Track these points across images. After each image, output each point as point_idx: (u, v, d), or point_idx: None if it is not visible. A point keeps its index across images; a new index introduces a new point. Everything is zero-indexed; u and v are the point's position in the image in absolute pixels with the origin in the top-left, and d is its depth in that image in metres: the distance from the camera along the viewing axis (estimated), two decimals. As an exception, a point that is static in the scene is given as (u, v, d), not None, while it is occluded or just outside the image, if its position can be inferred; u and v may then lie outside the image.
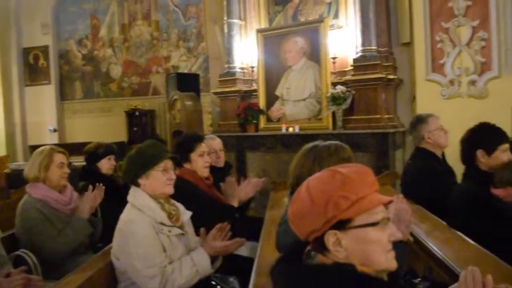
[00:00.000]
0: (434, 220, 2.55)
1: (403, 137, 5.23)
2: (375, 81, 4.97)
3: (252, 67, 6.06)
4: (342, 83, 5.21)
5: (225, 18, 6.08)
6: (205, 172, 2.95)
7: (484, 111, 4.28)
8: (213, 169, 3.11)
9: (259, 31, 5.88)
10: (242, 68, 6.16)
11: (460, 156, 2.57)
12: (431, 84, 4.88)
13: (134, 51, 10.67)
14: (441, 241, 2.14)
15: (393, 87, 5.30)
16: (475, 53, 4.64)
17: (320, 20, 5.48)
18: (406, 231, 1.77)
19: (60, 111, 10.80)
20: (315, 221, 1.10)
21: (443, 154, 3.19)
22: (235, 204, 2.96)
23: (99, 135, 8.28)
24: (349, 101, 5.10)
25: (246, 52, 6.09)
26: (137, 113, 10.14)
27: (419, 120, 3.21)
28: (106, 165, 3.43)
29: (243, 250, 2.83)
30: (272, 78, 5.78)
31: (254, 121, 5.83)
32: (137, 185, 2.12)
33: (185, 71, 9.82)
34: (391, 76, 5.09)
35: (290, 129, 5.52)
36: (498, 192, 2.19)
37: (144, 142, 2.25)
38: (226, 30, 6.11)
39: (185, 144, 2.96)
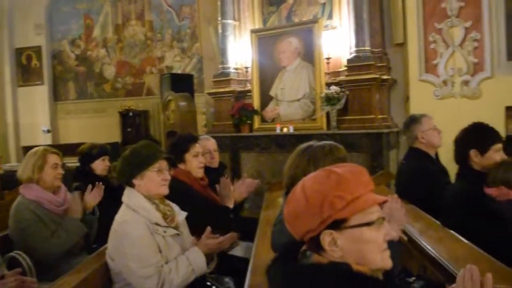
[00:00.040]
0: (428, 219, 2.57)
1: (397, 137, 5.25)
2: (369, 82, 5.00)
3: (246, 68, 6.07)
4: (336, 84, 5.23)
5: (219, 19, 6.08)
6: (199, 173, 2.94)
7: (477, 111, 4.31)
8: (207, 169, 3.11)
9: (253, 31, 5.89)
10: (236, 69, 6.16)
11: (453, 156, 2.58)
12: (425, 85, 4.92)
13: (128, 51, 10.62)
14: (435, 240, 2.15)
15: (386, 87, 5.32)
16: (468, 54, 4.68)
17: (314, 20, 5.50)
18: (398, 230, 1.78)
19: (54, 112, 10.74)
20: (311, 221, 1.10)
21: (436, 154, 3.21)
22: (230, 205, 2.96)
23: (93, 136, 8.24)
24: (343, 101, 5.12)
25: (240, 52, 6.09)
26: (130, 114, 10.10)
27: (413, 120, 3.22)
28: (100, 166, 3.41)
29: (238, 251, 2.84)
30: (266, 78, 5.79)
31: (249, 122, 5.83)
32: (132, 185, 2.11)
33: (179, 72, 9.80)
34: (384, 77, 5.11)
35: (285, 130, 5.53)
36: (491, 191, 2.21)
37: (138, 143, 2.24)
38: (220, 31, 6.11)
39: (179, 144, 2.96)
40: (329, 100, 5.13)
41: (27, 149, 3.73)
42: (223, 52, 6.10)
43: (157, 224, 2.04)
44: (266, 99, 5.81)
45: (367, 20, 5.07)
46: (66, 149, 5.34)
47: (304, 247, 1.18)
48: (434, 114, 3.34)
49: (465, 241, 2.09)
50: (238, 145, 5.92)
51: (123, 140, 9.88)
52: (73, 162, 4.23)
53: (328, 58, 5.37)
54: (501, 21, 4.54)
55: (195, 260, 2.07)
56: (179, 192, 2.44)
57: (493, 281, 1.23)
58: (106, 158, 3.45)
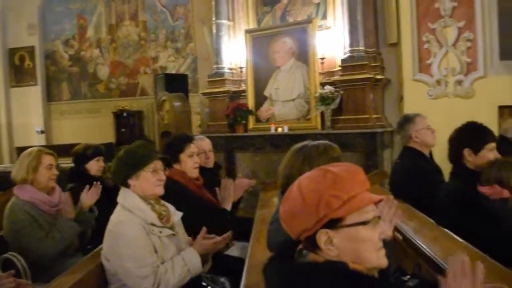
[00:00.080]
0: (422, 218, 2.58)
1: (391, 137, 5.28)
2: (363, 81, 5.02)
3: (241, 68, 6.07)
4: (331, 83, 5.25)
5: (214, 19, 6.09)
6: (194, 173, 2.94)
7: (470, 110, 4.34)
8: (202, 169, 3.10)
9: (247, 31, 5.89)
10: (230, 69, 6.17)
11: (447, 155, 2.60)
12: (418, 84, 4.94)
13: (122, 51, 10.58)
14: (429, 239, 2.16)
15: (381, 87, 5.35)
16: (461, 54, 4.72)
17: (309, 20, 5.51)
18: (389, 229, 1.79)
19: (47, 112, 10.67)
20: (307, 220, 1.11)
21: (430, 153, 3.23)
22: (229, 207, 2.96)
23: (87, 136, 8.20)
24: (337, 101, 5.14)
25: (234, 52, 6.10)
26: (125, 114, 10.05)
27: (407, 120, 3.24)
28: (94, 166, 3.41)
29: (234, 251, 2.84)
30: (261, 78, 5.80)
31: (243, 122, 5.84)
32: (127, 186, 2.11)
33: (173, 72, 9.77)
34: (378, 76, 5.13)
35: (279, 130, 5.54)
36: (484, 190, 2.23)
37: (133, 143, 2.23)
38: (214, 31, 6.11)
39: (174, 144, 2.95)
40: (324, 100, 5.14)
41: (20, 150, 3.71)
42: (217, 52, 6.11)
43: (153, 225, 2.03)
44: (260, 99, 5.82)
45: (361, 20, 5.09)
46: (60, 150, 5.29)
47: (300, 246, 1.18)
48: (428, 114, 3.37)
49: (460, 239, 2.10)
50: (233, 145, 5.92)
51: (117, 140, 9.84)
52: (67, 162, 4.20)
53: (322, 58, 5.39)
54: (494, 21, 4.58)
55: (190, 261, 2.07)
56: (174, 192, 2.44)
57: (486, 279, 1.24)
58: (100, 158, 3.44)
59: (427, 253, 1.99)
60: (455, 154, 2.53)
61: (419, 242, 2.13)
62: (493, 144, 2.45)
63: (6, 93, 10.36)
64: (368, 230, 1.12)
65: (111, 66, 10.63)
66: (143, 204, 2.07)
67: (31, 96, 10.44)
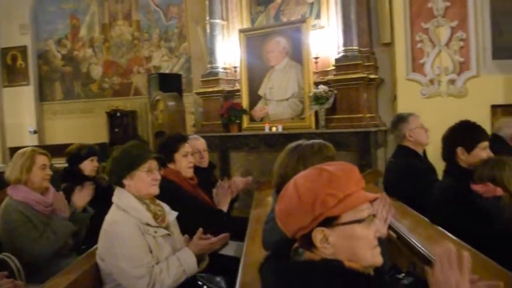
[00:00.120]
0: (416, 216, 2.60)
1: (384, 136, 5.30)
2: (356, 81, 5.03)
3: (235, 67, 6.07)
4: (325, 83, 5.26)
5: (207, 18, 6.08)
6: (189, 173, 2.94)
7: (463, 109, 4.37)
8: (197, 169, 3.10)
9: (241, 31, 5.89)
10: (224, 68, 6.16)
11: (441, 154, 2.62)
12: (412, 84, 4.97)
13: (115, 51, 10.54)
14: (424, 237, 2.18)
15: (374, 86, 5.37)
16: (454, 53, 4.75)
17: (302, 20, 5.52)
18: (383, 227, 1.80)
19: (40, 112, 10.61)
20: (303, 218, 1.11)
21: (424, 152, 3.25)
22: (225, 208, 2.97)
23: (80, 136, 8.15)
24: (331, 100, 5.15)
25: (228, 52, 6.10)
26: (118, 114, 10.01)
27: (400, 119, 3.27)
28: (88, 166, 3.39)
29: (229, 250, 2.84)
30: (255, 78, 5.80)
31: (237, 121, 5.84)
32: (122, 186, 2.10)
33: (167, 71, 9.76)
34: (372, 76, 5.15)
35: (273, 129, 5.55)
36: (478, 188, 2.24)
37: (127, 143, 2.23)
38: (208, 30, 6.10)
39: (168, 144, 2.95)
40: (318, 99, 5.15)
41: (13, 150, 3.69)
42: (211, 52, 6.10)
43: (148, 224, 2.03)
44: (254, 98, 5.82)
45: (355, 19, 5.11)
46: (53, 150, 5.25)
47: (296, 245, 1.19)
48: (421, 113, 3.39)
49: (454, 237, 2.12)
50: (227, 144, 5.92)
51: (110, 140, 9.81)
52: (60, 163, 4.18)
53: (316, 58, 5.40)
54: (486, 21, 4.61)
55: (186, 261, 2.07)
56: (169, 192, 2.43)
57: (480, 277, 1.25)
58: (94, 158, 3.43)
59: (421, 251, 2.01)
60: (448, 152, 2.55)
61: (413, 240, 2.14)
62: (486, 143, 2.47)
63: (-2, 93, 10.29)
64: (363, 228, 1.12)
65: (104, 66, 10.59)
66: (138, 204, 2.06)
67: (24, 96, 10.38)
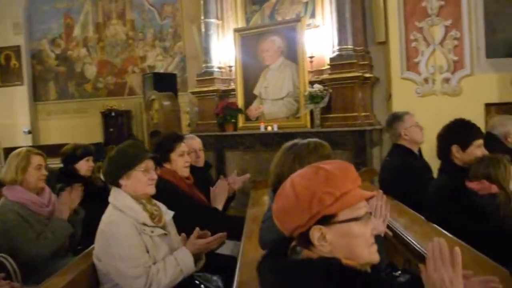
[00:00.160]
0: (412, 214, 2.61)
1: (380, 135, 5.32)
2: (351, 80, 5.05)
3: (230, 67, 6.07)
4: (320, 82, 5.27)
5: (202, 18, 6.07)
6: (185, 172, 2.93)
7: (457, 108, 4.40)
8: (193, 168, 3.10)
9: (236, 30, 5.89)
10: (220, 68, 6.16)
11: (436, 152, 2.63)
12: (406, 82, 4.99)
13: (109, 50, 10.52)
14: (419, 235, 2.19)
15: (369, 85, 5.38)
16: (448, 52, 4.77)
17: (297, 19, 5.53)
18: (383, 225, 1.81)
19: (34, 113, 10.56)
20: (300, 217, 1.12)
21: (419, 150, 3.26)
22: (220, 207, 2.97)
23: (74, 136, 8.12)
24: (326, 99, 5.16)
25: (223, 51, 6.09)
26: (113, 114, 10.00)
27: (395, 118, 3.28)
28: (84, 166, 3.38)
29: (225, 249, 2.84)
30: (250, 77, 5.80)
31: (233, 120, 5.84)
32: (118, 186, 2.10)
33: (161, 71, 9.75)
34: (367, 75, 5.17)
35: (269, 128, 5.55)
36: (473, 185, 2.26)
37: (124, 143, 2.23)
38: (203, 30, 6.10)
39: (164, 144, 2.94)
40: (313, 98, 5.16)
41: (7, 150, 3.67)
42: (206, 51, 6.10)
43: (145, 224, 2.02)
44: (250, 97, 5.82)
45: (350, 19, 5.12)
46: (48, 150, 5.23)
47: (293, 243, 1.19)
48: (416, 111, 3.41)
49: (449, 235, 2.13)
50: (223, 144, 5.92)
51: (105, 140, 9.79)
52: (55, 163, 4.17)
53: (311, 57, 5.40)
54: (480, 20, 4.64)
55: (183, 260, 2.07)
56: (165, 191, 2.43)
57: (474, 272, 1.26)
58: (90, 158, 3.41)
59: (417, 248, 2.02)
60: (443, 150, 2.57)
61: (409, 238, 2.15)
62: (480, 141, 2.49)
63: (-9, 93, 10.23)
64: (360, 226, 1.13)
65: (98, 66, 10.57)
66: (135, 203, 2.06)
67: (17, 96, 10.34)
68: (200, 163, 3.44)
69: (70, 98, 10.69)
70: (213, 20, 6.04)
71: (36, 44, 10.64)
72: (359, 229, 1.13)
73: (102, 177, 3.96)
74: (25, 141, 9.23)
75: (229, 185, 3.15)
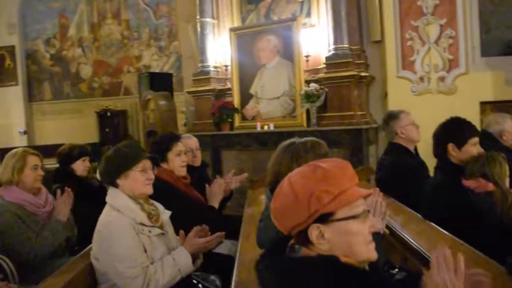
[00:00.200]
0: (408, 212, 2.63)
1: (376, 133, 5.34)
2: (347, 79, 5.06)
3: (226, 66, 6.07)
4: (316, 81, 5.28)
5: (198, 17, 6.07)
6: (182, 172, 2.93)
7: (452, 106, 4.41)
8: (189, 168, 3.09)
9: (232, 29, 5.89)
10: (216, 67, 6.16)
11: (432, 150, 2.64)
12: (402, 81, 5.00)
13: (104, 50, 10.48)
14: (416, 233, 2.20)
15: (365, 84, 5.40)
16: (443, 51, 4.79)
17: (293, 18, 5.54)
18: (382, 222, 1.82)
19: (29, 113, 10.51)
20: (299, 215, 1.12)
21: (415, 149, 3.27)
22: (216, 205, 2.97)
23: (70, 136, 8.08)
24: (322, 98, 5.17)
25: (219, 51, 6.10)
26: (108, 114, 9.96)
27: (392, 116, 3.29)
28: (80, 166, 3.36)
29: (223, 248, 2.84)
30: (246, 76, 5.80)
31: (229, 120, 5.84)
32: (115, 186, 2.10)
33: (157, 71, 9.72)
34: (363, 74, 5.18)
35: (265, 127, 5.55)
36: (469, 183, 2.27)
37: (121, 143, 2.23)
38: (199, 29, 6.09)
39: (161, 143, 2.94)
40: (309, 97, 5.17)
41: (2, 151, 3.65)
42: (202, 51, 6.09)
43: (142, 224, 2.03)
44: (246, 97, 5.82)
45: (345, 17, 5.13)
46: (43, 151, 5.22)
47: (292, 241, 1.20)
48: (411, 110, 3.42)
49: (446, 232, 2.14)
50: (219, 143, 5.92)
51: (101, 140, 9.76)
52: (50, 163, 4.15)
53: (307, 56, 5.41)
54: (475, 19, 4.67)
55: (181, 260, 2.07)
56: (163, 191, 2.43)
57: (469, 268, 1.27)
58: (86, 159, 3.40)
59: (414, 246, 2.03)
60: (439, 149, 2.58)
61: (406, 236, 2.17)
62: (476, 139, 2.51)
63: (-14, 94, 10.18)
64: (358, 223, 1.14)
65: (93, 66, 10.53)
66: (133, 203, 2.06)
67: (12, 97, 10.28)
68: (197, 162, 3.44)
69: (65, 98, 10.64)
70: (208, 20, 6.04)
71: (31, 44, 10.59)
72: (357, 227, 1.13)
73: (98, 177, 3.97)
74: (20, 142, 9.19)
75: (227, 184, 3.15)
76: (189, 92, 6.33)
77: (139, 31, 10.23)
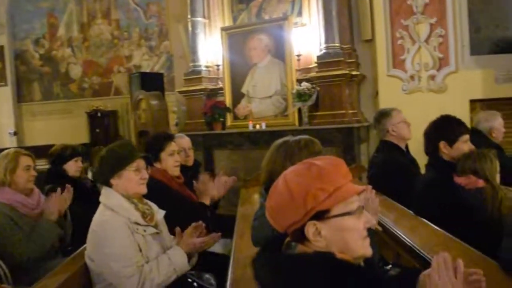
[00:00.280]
0: (400, 209, 2.65)
1: (367, 131, 5.37)
2: (339, 77, 5.09)
3: (218, 65, 6.07)
4: (307, 80, 5.30)
5: (189, 17, 6.06)
6: (175, 171, 2.93)
7: (443, 104, 4.46)
8: (182, 168, 3.09)
9: (223, 29, 5.89)
10: (207, 67, 6.15)
11: (424, 148, 2.67)
12: (393, 80, 5.04)
13: (94, 50, 10.42)
14: (408, 229, 2.23)
15: (356, 83, 5.43)
16: (433, 49, 4.84)
17: (284, 18, 5.55)
18: (374, 218, 1.84)
19: (18, 114, 10.41)
20: (295, 213, 1.13)
21: (406, 146, 3.30)
22: (207, 201, 2.97)
23: (60, 137, 7.98)
24: (314, 97, 5.19)
25: (211, 50, 6.09)
26: (99, 114, 9.90)
27: (383, 114, 3.31)
28: (73, 167, 3.34)
29: (217, 247, 2.85)
30: (238, 76, 5.81)
31: (221, 119, 5.84)
32: (109, 185, 2.09)
33: (148, 70, 9.69)
34: (354, 72, 5.21)
35: (257, 126, 5.56)
36: (460, 180, 2.31)
37: (114, 143, 2.23)
38: (190, 29, 6.08)
39: (155, 143, 2.93)
40: (301, 96, 5.19)
41: (-7, 152, 3.60)
42: (193, 50, 6.08)
43: (137, 223, 2.02)
44: (238, 96, 5.83)
45: (336, 17, 5.15)
46: (33, 152, 5.17)
47: (288, 239, 1.20)
48: (402, 108, 3.45)
49: (437, 228, 2.17)
50: (211, 143, 5.92)
51: (91, 141, 9.70)
52: (41, 164, 4.12)
53: (298, 55, 5.43)
54: (464, 17, 4.72)
55: (176, 259, 2.07)
56: (157, 191, 2.42)
57: (464, 265, 1.29)
58: (79, 159, 3.38)
59: (406, 242, 2.06)
60: (431, 147, 2.61)
61: (398, 232, 2.19)
62: (466, 136, 2.54)
63: (-26, 95, 10.07)
64: (354, 219, 1.15)
65: (83, 66, 10.47)
66: (127, 203, 2.05)
67: (1, 97, 10.20)
68: (190, 162, 3.44)
69: (55, 98, 10.56)
70: (200, 19, 6.04)
71: (20, 44, 10.49)
72: (353, 223, 1.14)
73: (90, 177, 3.96)
74: (10, 143, 9.10)
75: (219, 184, 3.15)
76: (180, 92, 6.32)
77: (129, 31, 10.19)
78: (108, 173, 2.07)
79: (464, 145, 2.49)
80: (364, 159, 5.08)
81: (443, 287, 1.12)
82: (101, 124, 9.95)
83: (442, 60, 4.81)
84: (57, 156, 3.33)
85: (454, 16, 4.73)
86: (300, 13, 5.62)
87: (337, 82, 5.12)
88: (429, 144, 2.62)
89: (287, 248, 1.19)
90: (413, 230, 2.22)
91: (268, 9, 5.87)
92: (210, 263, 2.47)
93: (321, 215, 1.13)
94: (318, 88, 5.21)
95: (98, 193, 2.16)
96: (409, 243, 2.03)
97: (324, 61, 5.17)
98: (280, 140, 2.06)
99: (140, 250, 2.00)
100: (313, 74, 5.30)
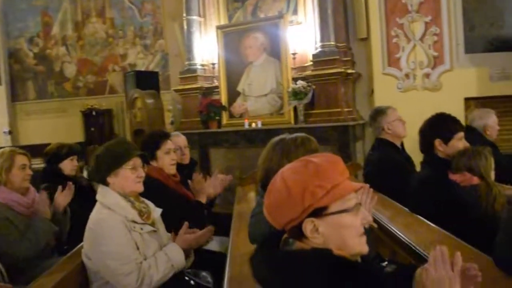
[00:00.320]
0: (396, 206, 2.67)
1: (362, 130, 5.39)
2: (334, 76, 5.09)
3: (213, 64, 6.06)
4: (303, 78, 5.31)
5: (184, 15, 6.04)
6: (172, 169, 2.93)
7: (438, 102, 4.49)
8: (178, 166, 3.09)
9: (219, 27, 5.88)
10: (203, 65, 6.14)
11: (419, 146, 2.69)
12: (388, 78, 5.06)
13: (89, 49, 10.37)
14: (404, 226, 2.24)
15: (351, 81, 5.44)
16: (428, 48, 4.86)
17: (280, 16, 5.55)
18: (368, 215, 1.85)
19: (12, 113, 10.35)
20: (293, 210, 1.14)
21: (402, 144, 3.32)
22: (203, 200, 2.97)
23: (55, 136, 7.94)
24: (309, 95, 5.20)
25: (206, 48, 6.08)
26: (93, 113, 9.86)
27: (379, 112, 3.33)
28: (68, 166, 3.33)
29: (213, 245, 2.86)
30: (234, 74, 5.80)
31: (217, 118, 5.84)
32: (106, 184, 2.09)
33: (143, 69, 9.65)
34: (349, 71, 5.22)
35: (253, 125, 5.56)
36: (455, 177, 2.32)
37: (111, 141, 2.22)
38: (185, 27, 6.07)
39: (151, 141, 2.93)
40: (296, 94, 5.20)
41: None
42: (189, 49, 6.07)
43: (134, 222, 2.02)
44: (233, 94, 5.82)
45: (331, 15, 5.16)
46: (28, 151, 5.16)
47: (285, 235, 1.21)
48: (397, 106, 3.46)
49: (433, 225, 2.19)
50: (207, 141, 5.92)
51: (86, 140, 9.67)
52: (36, 163, 4.10)
53: (294, 53, 5.43)
54: (459, 16, 4.75)
55: (173, 256, 2.08)
56: (153, 189, 2.43)
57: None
58: (75, 158, 3.37)
59: (402, 239, 2.07)
60: (426, 145, 2.62)
61: (394, 229, 2.20)
62: (461, 134, 2.56)
63: (-32, 94, 10.00)
64: (351, 216, 1.16)
65: (78, 64, 10.42)
66: (123, 201, 2.05)
67: (-5, 96, 10.12)
68: (186, 160, 3.44)
69: (50, 97, 10.51)
70: (195, 17, 6.02)
71: (13, 43, 10.42)
72: (350, 220, 1.15)
73: (85, 175, 3.95)
74: (5, 142, 9.05)
75: (215, 182, 3.15)
76: (176, 90, 6.31)
77: (124, 29, 10.15)
78: (105, 172, 2.07)
79: (459, 142, 2.51)
80: (359, 157, 5.09)
81: (439, 280, 1.13)
82: (96, 123, 9.91)
83: (437, 58, 4.84)
84: (53, 155, 3.32)
85: (448, 15, 4.75)
86: (295, 12, 5.62)
87: (332, 80, 5.12)
88: (424, 141, 2.64)
89: (285, 245, 1.20)
90: (408, 227, 2.23)
91: (263, 7, 5.87)
92: (207, 261, 2.48)
93: (318, 212, 1.14)
94: (314, 87, 5.22)
95: (94, 192, 2.16)
96: (405, 240, 2.04)
97: (319, 60, 5.17)
98: (276, 138, 2.06)
99: (138, 248, 2.00)
100: (308, 72, 5.31)
